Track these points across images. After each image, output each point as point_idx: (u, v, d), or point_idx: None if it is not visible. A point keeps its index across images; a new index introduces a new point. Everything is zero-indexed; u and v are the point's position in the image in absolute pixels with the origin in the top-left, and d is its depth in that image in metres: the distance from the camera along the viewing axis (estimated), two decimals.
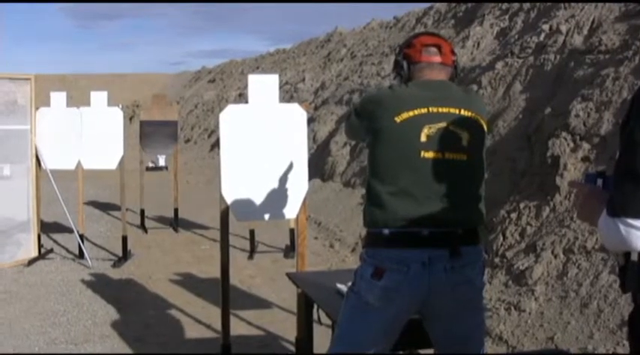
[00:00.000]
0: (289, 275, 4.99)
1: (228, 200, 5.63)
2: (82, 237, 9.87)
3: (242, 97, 27.61)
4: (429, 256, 3.34)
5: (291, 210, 5.84)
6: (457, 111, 3.51)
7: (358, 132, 3.73)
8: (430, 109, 3.46)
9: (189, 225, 12.58)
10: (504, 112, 10.55)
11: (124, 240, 9.87)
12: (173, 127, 13.00)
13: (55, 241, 10.88)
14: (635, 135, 2.08)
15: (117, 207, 13.03)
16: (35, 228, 9.75)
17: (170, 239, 11.65)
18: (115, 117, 9.74)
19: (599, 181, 2.46)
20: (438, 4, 20.24)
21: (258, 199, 5.65)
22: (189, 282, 8.76)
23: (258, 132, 5.67)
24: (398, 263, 3.34)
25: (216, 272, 8.57)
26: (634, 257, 2.12)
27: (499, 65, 11.81)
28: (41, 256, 9.82)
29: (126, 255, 9.86)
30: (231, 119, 5.64)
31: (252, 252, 10.31)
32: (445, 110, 3.49)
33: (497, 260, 7.78)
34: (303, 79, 22.99)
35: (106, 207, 14.15)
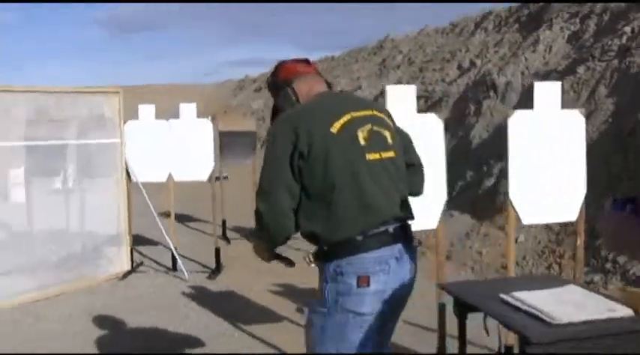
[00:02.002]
0: (443, 286, 4.88)
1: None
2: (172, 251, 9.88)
3: None
4: (398, 250, 3.50)
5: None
6: (371, 113, 3.66)
7: (284, 168, 3.49)
8: (352, 114, 3.55)
9: None
10: (592, 116, 10.45)
11: (217, 251, 9.83)
12: (252, 137, 13.01)
13: (141, 254, 10.88)
14: None
15: (195, 219, 13.08)
16: (127, 242, 9.76)
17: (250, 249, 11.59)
18: (204, 129, 9.74)
19: (629, 207, 2.37)
20: (498, 9, 20.15)
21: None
22: (291, 293, 8.71)
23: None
24: (380, 263, 3.41)
25: (315, 282, 8.57)
26: None
27: (581, 69, 11.71)
28: (134, 269, 9.84)
29: (219, 266, 9.82)
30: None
31: None
32: (362, 113, 3.60)
33: (608, 265, 7.69)
34: (360, 87, 22.94)
35: (184, 219, 14.08)
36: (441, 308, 5.79)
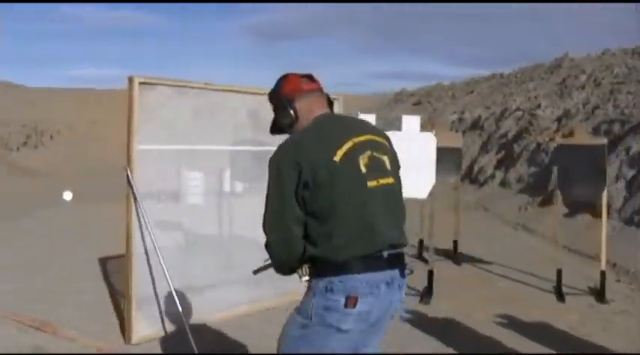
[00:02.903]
0: None
1: None
2: None
3: (462, 122, 26.84)
4: (391, 276, 3.57)
5: None
6: (371, 137, 3.75)
7: (291, 201, 3.57)
8: (354, 141, 3.64)
9: (469, 259, 11.85)
10: None
11: (430, 274, 9.19)
12: (458, 154, 12.33)
13: None
14: None
15: None
16: None
17: (456, 273, 10.92)
18: (427, 143, 9.15)
19: None
20: None
21: None
22: (518, 325, 8.05)
23: None
24: (371, 286, 3.49)
25: (536, 315, 8.36)
26: None
27: None
28: None
29: (431, 289, 9.16)
30: None
31: (560, 293, 9.48)
32: (363, 138, 3.69)
33: None
34: (539, 106, 22.03)
35: None
36: None
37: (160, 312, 7.23)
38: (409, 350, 7.03)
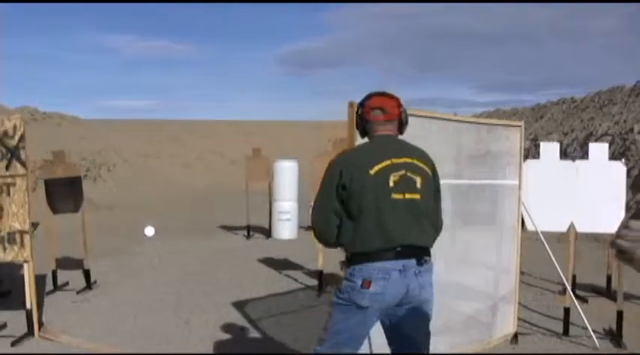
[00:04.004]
0: None
1: None
2: (567, 310, 8.51)
3: (537, 148, 26.02)
4: (403, 264, 4.46)
5: None
6: (411, 160, 4.66)
7: (332, 196, 4.60)
8: (392, 161, 4.60)
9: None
10: None
11: (620, 315, 8.37)
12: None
13: None
14: None
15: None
16: (515, 300, 8.42)
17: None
18: (616, 173, 8.36)
19: None
20: None
21: None
22: None
23: None
24: (382, 272, 4.42)
25: None
26: None
27: None
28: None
29: (621, 332, 8.33)
30: None
31: None
32: (402, 160, 4.63)
33: None
34: (631, 130, 21.17)
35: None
36: None
37: None
38: None
